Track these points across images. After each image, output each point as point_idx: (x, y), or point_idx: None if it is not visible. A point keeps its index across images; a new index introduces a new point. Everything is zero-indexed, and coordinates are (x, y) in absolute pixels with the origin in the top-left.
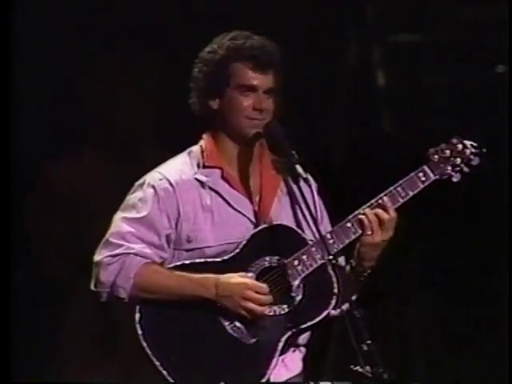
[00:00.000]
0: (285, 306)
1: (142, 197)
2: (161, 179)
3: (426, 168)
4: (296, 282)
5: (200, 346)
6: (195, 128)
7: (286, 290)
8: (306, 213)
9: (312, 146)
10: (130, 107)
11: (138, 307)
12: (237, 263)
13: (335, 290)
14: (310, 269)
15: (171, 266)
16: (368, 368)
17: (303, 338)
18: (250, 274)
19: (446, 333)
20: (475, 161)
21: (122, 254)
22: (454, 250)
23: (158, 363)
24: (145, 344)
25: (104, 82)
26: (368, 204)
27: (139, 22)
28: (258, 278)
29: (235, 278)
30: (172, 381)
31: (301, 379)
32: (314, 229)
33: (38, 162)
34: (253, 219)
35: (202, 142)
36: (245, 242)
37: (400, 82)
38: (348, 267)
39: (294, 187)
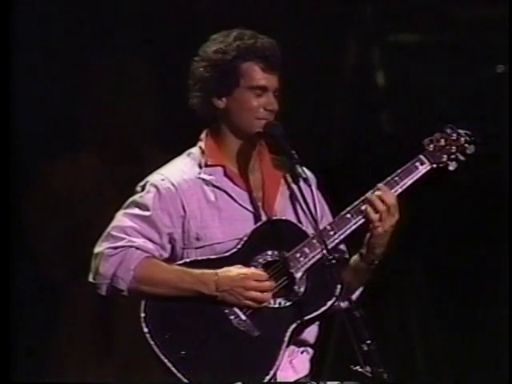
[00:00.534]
0: (289, 298)
1: (144, 196)
2: (162, 180)
3: (421, 157)
4: (299, 274)
5: (207, 340)
6: (195, 128)
7: (290, 283)
8: (307, 210)
9: (312, 145)
10: (129, 107)
11: (143, 306)
12: (239, 259)
13: (338, 281)
14: (313, 260)
15: (174, 264)
16: (368, 368)
17: (311, 337)
18: (252, 268)
19: (446, 333)
20: (470, 149)
21: (124, 246)
22: (454, 250)
23: (166, 360)
24: (152, 342)
25: (104, 82)
26: (365, 196)
27: (139, 22)
28: None
29: (233, 270)
30: (181, 376)
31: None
32: (314, 225)
33: (38, 162)
34: (259, 214)
35: (200, 143)
36: (246, 237)
37: (400, 82)
38: (357, 256)
39: (294, 186)
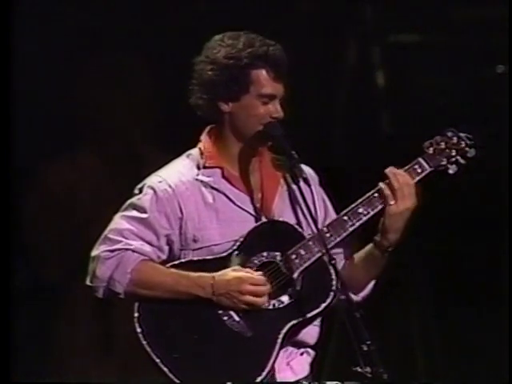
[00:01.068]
0: (283, 300)
1: (141, 198)
2: (160, 181)
3: (421, 160)
4: (294, 276)
5: (200, 340)
6: (194, 128)
7: (285, 284)
8: (306, 211)
9: (312, 145)
10: (129, 108)
11: (136, 306)
12: (234, 260)
13: (334, 283)
14: (308, 262)
15: (170, 264)
16: (368, 368)
17: (311, 338)
18: (248, 270)
19: (446, 333)
20: (471, 153)
21: (121, 249)
22: (455, 250)
23: (158, 360)
24: (145, 342)
25: (104, 83)
26: (363, 197)
27: (139, 22)
28: None
29: (229, 273)
30: (173, 377)
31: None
32: (314, 226)
33: (38, 162)
34: (257, 216)
35: (200, 145)
36: (242, 238)
37: (400, 82)
38: (371, 245)
39: (294, 187)
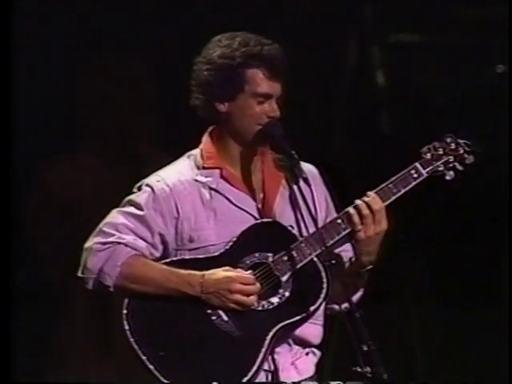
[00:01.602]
0: (273, 301)
1: (139, 195)
2: (158, 181)
3: (417, 165)
4: (285, 278)
5: (187, 339)
6: (195, 129)
7: (275, 285)
8: (306, 211)
9: (312, 145)
10: (129, 107)
11: (125, 303)
12: (226, 259)
13: (324, 286)
14: (300, 264)
15: (162, 262)
16: (368, 368)
17: (315, 338)
18: (239, 270)
19: (446, 333)
20: (469, 159)
21: (113, 242)
22: (455, 250)
23: (144, 358)
24: (132, 339)
25: (104, 82)
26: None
27: (139, 22)
28: None
29: (219, 273)
30: (159, 375)
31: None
32: (313, 227)
33: (38, 162)
34: (257, 216)
35: (201, 145)
36: (235, 239)
37: (400, 82)
38: (348, 263)
39: (295, 187)
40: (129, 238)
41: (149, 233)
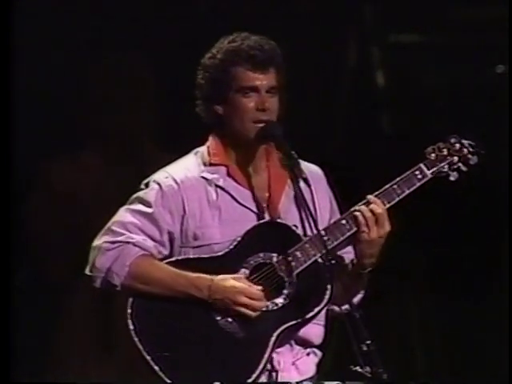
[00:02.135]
0: (278, 302)
1: (147, 192)
2: (166, 177)
3: (422, 166)
4: (289, 278)
5: (191, 340)
6: (198, 128)
7: (279, 286)
8: (308, 212)
9: (312, 146)
10: (130, 107)
11: (129, 303)
12: (231, 259)
13: (328, 287)
14: (304, 265)
15: (166, 261)
16: (368, 368)
17: (317, 338)
18: (243, 270)
19: (446, 333)
20: (473, 160)
21: (122, 242)
22: (455, 250)
23: (149, 358)
24: (136, 339)
25: (104, 82)
26: (362, 202)
27: (141, 22)
28: (251, 274)
29: (229, 280)
30: (163, 376)
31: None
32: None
33: (38, 161)
34: (261, 215)
35: (208, 143)
36: (239, 238)
37: (400, 82)
38: (350, 265)
39: (296, 187)
40: (138, 237)
41: (157, 231)
